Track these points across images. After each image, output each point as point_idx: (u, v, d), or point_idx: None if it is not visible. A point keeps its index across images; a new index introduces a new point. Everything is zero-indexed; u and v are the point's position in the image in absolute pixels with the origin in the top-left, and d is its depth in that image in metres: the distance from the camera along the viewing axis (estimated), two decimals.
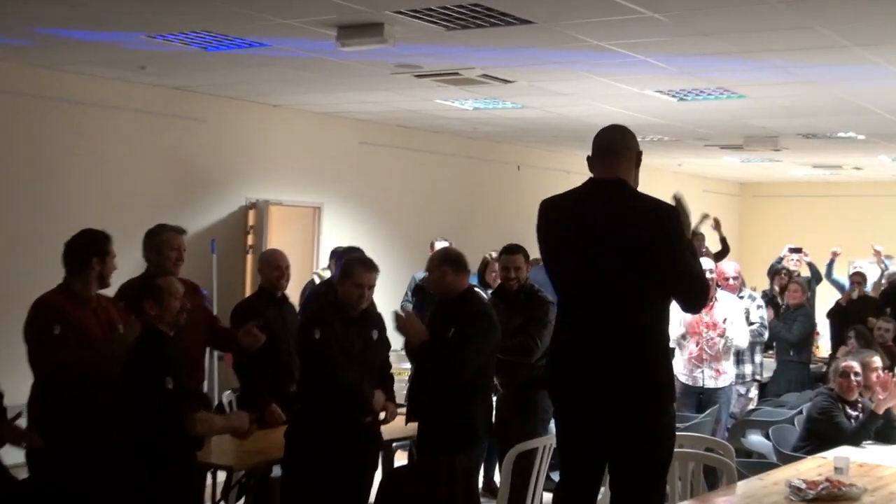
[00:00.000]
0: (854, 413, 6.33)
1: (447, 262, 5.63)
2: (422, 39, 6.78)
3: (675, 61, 7.34)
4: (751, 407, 8.97)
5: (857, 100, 8.81)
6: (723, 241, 12.82)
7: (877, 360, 6.81)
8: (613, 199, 3.96)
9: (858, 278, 11.30)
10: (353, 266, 5.31)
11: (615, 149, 4.02)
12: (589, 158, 4.06)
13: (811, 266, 12.05)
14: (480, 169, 13.33)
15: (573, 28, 6.37)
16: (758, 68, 7.49)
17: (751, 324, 8.54)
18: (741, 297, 8.64)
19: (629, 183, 3.99)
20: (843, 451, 5.68)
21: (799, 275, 11.74)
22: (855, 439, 6.08)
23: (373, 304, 5.50)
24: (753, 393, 9.26)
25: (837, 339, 10.16)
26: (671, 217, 3.89)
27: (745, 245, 18.45)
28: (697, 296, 4.05)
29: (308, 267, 10.33)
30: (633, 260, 3.87)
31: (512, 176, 13.69)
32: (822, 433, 6.21)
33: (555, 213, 4.08)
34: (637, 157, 4.04)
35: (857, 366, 6.47)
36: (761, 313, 8.83)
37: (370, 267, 5.30)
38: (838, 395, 6.39)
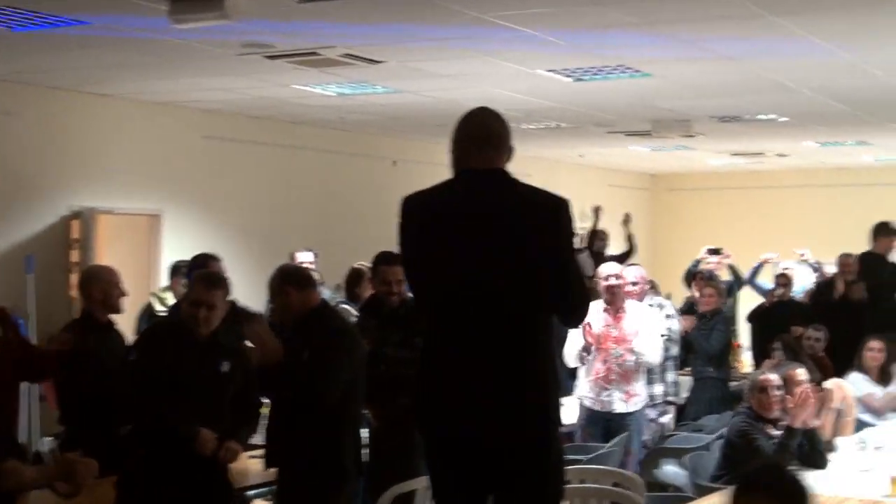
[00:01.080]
0: (776, 432, 6.50)
1: (288, 282, 5.62)
2: (271, 14, 6.74)
3: (567, 36, 7.43)
4: (666, 433, 9.10)
5: (778, 77, 9.05)
6: (629, 238, 13.04)
7: (801, 373, 6.99)
8: (495, 192, 3.97)
9: (784, 280, 11.59)
10: (192, 281, 5.26)
11: (494, 137, 4.03)
12: (457, 146, 4.05)
13: (732, 269, 12.33)
14: (350, 165, 13.31)
15: None
16: (662, 43, 7.63)
17: (661, 335, 8.63)
18: (649, 305, 8.77)
19: (508, 172, 4.02)
20: None
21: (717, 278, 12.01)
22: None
23: (231, 332, 5.45)
24: (667, 417, 9.41)
25: (760, 351, 10.40)
26: (563, 210, 3.93)
27: (657, 245, 18.80)
28: (578, 309, 4.11)
29: (145, 287, 10.16)
30: (519, 262, 3.88)
31: (387, 172, 13.71)
32: (741, 459, 6.35)
33: (423, 210, 4.07)
34: (510, 152, 4.08)
35: (775, 379, 6.63)
36: (670, 324, 8.97)
37: (211, 283, 5.24)
38: (757, 414, 6.54)
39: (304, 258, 9.52)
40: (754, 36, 7.45)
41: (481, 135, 4.04)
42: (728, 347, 10.36)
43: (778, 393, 6.58)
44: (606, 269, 8.19)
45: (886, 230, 10.96)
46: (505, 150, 4.03)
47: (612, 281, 8.00)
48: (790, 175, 18.08)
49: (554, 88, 9.46)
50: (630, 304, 8.11)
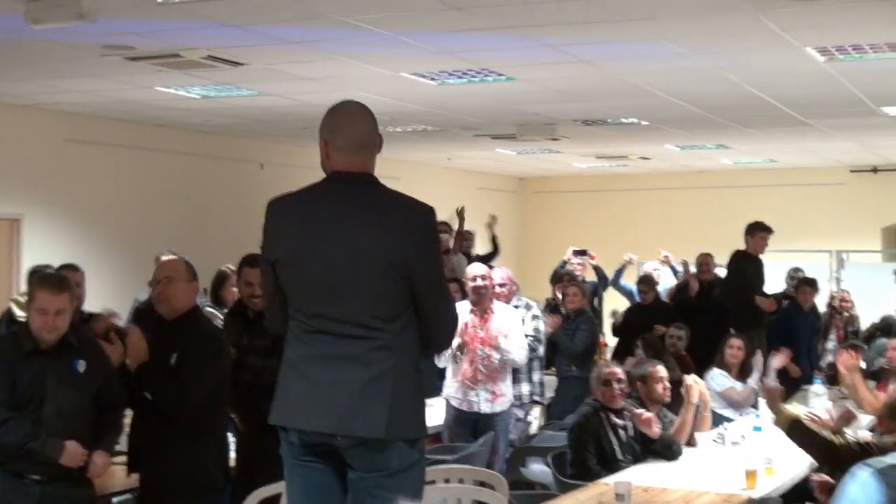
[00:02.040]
0: (620, 422, 6.67)
1: (187, 269, 5.59)
2: (131, 14, 6.65)
3: (431, 39, 7.47)
4: (532, 432, 9.20)
5: (637, 81, 9.21)
6: (493, 239, 13.13)
7: (661, 370, 7.17)
8: (361, 195, 3.96)
9: (644, 286, 11.76)
10: (32, 287, 5.16)
11: (366, 140, 4.01)
12: (323, 145, 4.03)
13: (598, 270, 12.50)
14: (216, 168, 13.18)
15: (311, 0, 6.38)
16: (523, 46, 7.70)
17: (527, 336, 8.71)
18: (516, 307, 8.84)
19: (376, 178, 4.02)
20: (626, 476, 5.93)
21: (584, 280, 12.17)
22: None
23: (82, 330, 5.35)
24: (533, 416, 9.51)
25: (624, 350, 10.56)
26: (427, 217, 3.94)
27: (526, 247, 19.00)
28: (443, 330, 4.10)
29: (5, 292, 9.92)
30: (383, 267, 3.88)
31: (254, 176, 13.60)
32: (582, 450, 6.55)
33: (289, 212, 4.04)
34: (379, 145, 4.05)
35: (619, 372, 6.84)
36: (536, 324, 9.04)
37: (53, 287, 5.13)
38: (603, 405, 6.71)
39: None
40: (613, 40, 7.57)
41: (353, 135, 4.01)
42: (593, 347, 10.48)
43: (621, 385, 6.77)
44: (473, 269, 8.22)
45: (758, 228, 11.18)
46: (374, 149, 3.99)
47: (479, 282, 8.04)
48: (653, 178, 18.42)
49: (419, 91, 9.49)
50: (497, 305, 8.16)
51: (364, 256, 3.88)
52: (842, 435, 5.43)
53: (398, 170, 15.84)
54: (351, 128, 4.00)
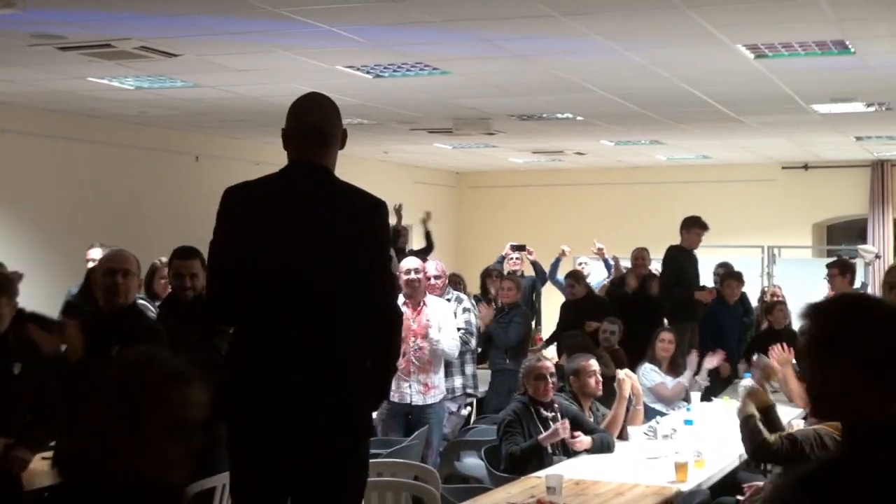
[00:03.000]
0: (549, 414, 6.75)
1: (137, 263, 5.58)
2: (61, 3, 6.55)
3: (365, 32, 7.42)
4: (466, 425, 9.21)
5: (572, 76, 9.20)
6: (427, 235, 13.17)
7: (594, 364, 7.22)
8: (316, 187, 3.95)
9: (572, 280, 11.81)
10: None
11: (325, 133, 4.00)
12: (286, 134, 4.02)
13: (535, 265, 12.56)
14: (150, 161, 13.04)
15: None
16: (458, 40, 7.68)
17: (458, 329, 8.72)
18: (448, 300, 8.85)
19: (333, 171, 4.01)
20: (558, 469, 5.95)
21: (522, 274, 12.23)
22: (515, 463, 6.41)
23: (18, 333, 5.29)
24: (467, 409, 9.53)
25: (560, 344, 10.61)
26: (379, 212, 3.93)
27: (463, 241, 19.03)
28: (387, 329, 4.07)
29: None
30: (332, 259, 3.87)
31: (190, 168, 13.48)
32: (511, 445, 6.60)
33: (244, 199, 4.01)
34: (343, 138, 4.08)
35: (551, 366, 6.99)
36: (468, 317, 9.05)
37: None
38: (532, 399, 6.75)
39: (99, 252, 9.25)
40: (547, 35, 7.56)
41: (312, 127, 4.01)
42: (526, 340, 10.52)
43: (553, 379, 6.90)
44: (407, 263, 8.24)
45: (694, 224, 11.26)
46: (334, 144, 4.02)
47: (412, 275, 8.06)
48: (589, 173, 18.49)
49: (354, 85, 9.44)
50: (429, 299, 8.19)
51: (312, 246, 3.93)
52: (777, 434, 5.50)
53: (337, 164, 15.80)
54: (307, 117, 4.01)
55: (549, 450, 6.61)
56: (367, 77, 9.11)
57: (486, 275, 12.25)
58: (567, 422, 6.64)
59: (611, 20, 7.10)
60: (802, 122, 11.93)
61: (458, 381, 8.96)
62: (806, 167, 17.31)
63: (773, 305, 11.08)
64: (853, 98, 10.19)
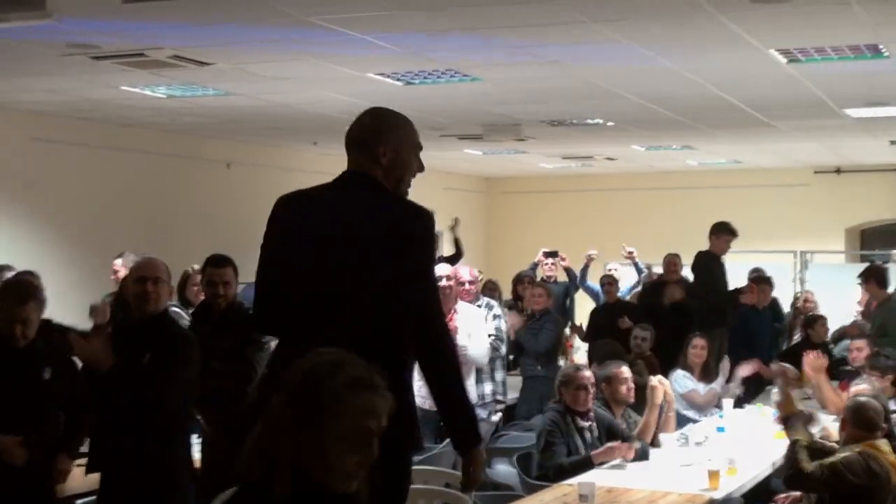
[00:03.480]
0: (585, 423, 6.73)
1: (167, 271, 5.59)
2: (95, 13, 6.61)
3: (396, 39, 7.45)
4: (497, 432, 9.19)
5: (602, 82, 9.23)
6: (456, 242, 13.18)
7: (626, 371, 7.21)
8: (356, 196, 3.93)
9: (608, 280, 11.83)
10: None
11: (357, 136, 4.00)
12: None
13: (569, 271, 12.55)
14: (182, 168, 13.10)
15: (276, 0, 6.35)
16: (491, 47, 7.70)
17: (489, 335, 8.71)
18: (479, 306, 8.85)
19: (379, 179, 3.92)
20: (590, 476, 5.93)
21: (556, 281, 12.25)
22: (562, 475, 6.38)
23: (49, 335, 5.33)
24: (498, 416, 9.51)
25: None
26: (420, 220, 3.89)
27: (493, 247, 19.02)
28: (439, 338, 3.94)
29: None
30: (369, 269, 3.85)
31: (221, 176, 13.53)
32: (551, 455, 6.56)
33: (289, 210, 3.98)
34: (397, 150, 3.95)
35: (590, 377, 6.91)
36: (498, 324, 9.03)
37: (19, 298, 5.13)
38: (568, 408, 6.73)
39: (129, 260, 9.28)
40: (579, 42, 7.57)
41: (351, 135, 4.01)
42: (557, 347, 10.51)
43: (592, 390, 6.84)
44: (438, 270, 8.22)
45: (723, 230, 11.21)
46: (376, 150, 3.91)
47: (444, 282, 8.05)
48: (619, 178, 18.45)
49: (385, 92, 9.45)
50: (460, 305, 8.17)
51: (351, 257, 3.86)
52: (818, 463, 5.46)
53: None
54: (352, 125, 4.02)
55: None
56: (398, 84, 9.14)
57: (518, 281, 12.24)
58: (632, 447, 6.61)
59: (642, 26, 7.11)
60: (836, 126, 11.88)
61: (488, 388, 8.92)
62: (839, 171, 17.22)
63: (816, 320, 10.96)
64: (887, 102, 10.13)
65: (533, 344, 10.20)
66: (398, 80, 8.94)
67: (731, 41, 7.39)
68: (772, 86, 9.24)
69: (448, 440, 7.34)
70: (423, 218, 3.88)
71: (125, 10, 6.48)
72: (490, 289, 10.90)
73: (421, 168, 4.05)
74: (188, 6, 6.45)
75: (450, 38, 7.45)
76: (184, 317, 7.58)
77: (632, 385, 7.30)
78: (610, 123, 11.88)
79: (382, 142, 3.94)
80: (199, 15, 6.73)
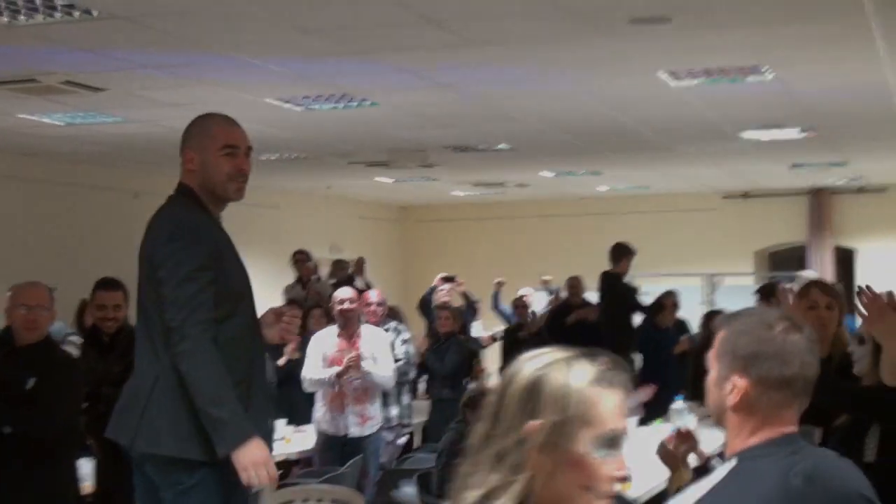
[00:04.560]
0: None
1: (51, 297, 5.59)
2: None
3: (289, 64, 7.49)
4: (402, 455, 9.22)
5: (500, 106, 9.29)
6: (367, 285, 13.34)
7: None
8: (157, 211, 4.02)
9: (520, 303, 11.95)
10: None
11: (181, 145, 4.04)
12: None
13: (466, 296, 12.67)
14: (88, 198, 13.00)
15: (164, 23, 6.35)
16: (383, 71, 7.74)
17: (396, 360, 8.78)
18: (386, 330, 8.91)
19: (194, 187, 3.97)
20: None
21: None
22: None
23: None
24: (404, 439, 9.55)
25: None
26: (164, 227, 3.89)
27: (410, 275, 19.04)
28: (178, 357, 3.75)
29: None
30: (147, 280, 3.92)
31: (128, 206, 13.43)
32: (451, 473, 6.54)
33: None
34: (200, 153, 3.93)
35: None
36: (407, 348, 9.12)
37: None
38: (469, 427, 6.75)
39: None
40: (471, 65, 7.61)
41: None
42: (463, 369, 10.57)
43: None
44: (341, 293, 8.30)
45: (623, 251, 11.41)
46: (183, 158, 3.98)
47: (346, 305, 8.11)
48: (532, 205, 18.60)
49: (286, 118, 9.48)
50: (365, 328, 8.23)
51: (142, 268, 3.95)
52: None
53: (279, 199, 15.82)
54: None
55: None
56: (298, 109, 9.15)
57: (426, 305, 12.30)
58: None
59: (530, 49, 7.16)
60: (733, 150, 12.05)
61: (394, 412, 8.99)
62: (746, 196, 17.54)
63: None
64: (781, 124, 10.29)
65: (439, 367, 10.26)
66: (296, 104, 8.96)
67: (616, 63, 7.51)
68: (664, 108, 9.34)
69: (350, 462, 7.43)
70: (162, 226, 3.91)
71: (14, 34, 6.46)
72: (392, 315, 10.96)
73: (240, 169, 3.96)
74: (79, 30, 6.44)
75: (342, 63, 7.48)
76: (76, 345, 7.54)
77: None
78: (514, 149, 11.90)
79: (185, 147, 3.99)
80: (91, 38, 6.71)
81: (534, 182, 15.70)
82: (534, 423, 2.05)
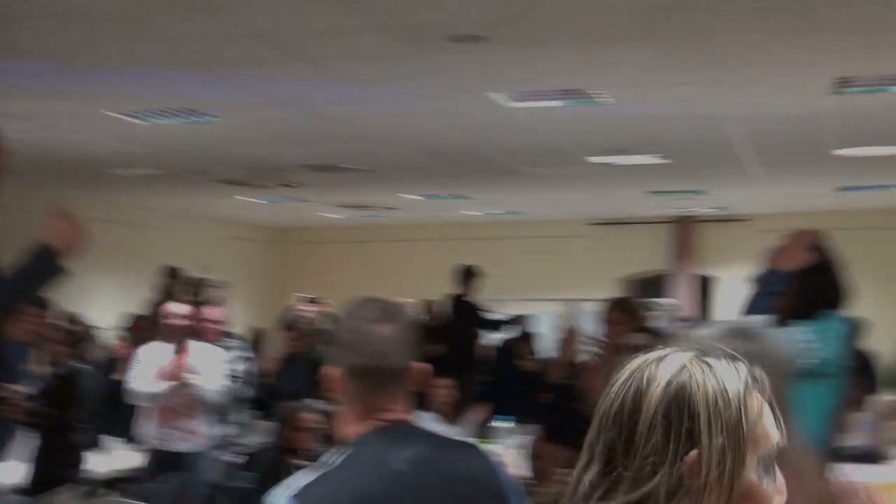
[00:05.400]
0: (304, 462, 6.69)
1: None
2: None
3: (125, 76, 7.33)
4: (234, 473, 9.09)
5: (347, 127, 9.21)
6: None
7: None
8: None
9: None
10: None
11: None
12: None
13: (326, 317, 12.59)
14: None
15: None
16: (219, 86, 7.61)
17: (234, 378, 8.66)
18: (225, 349, 8.78)
19: None
20: None
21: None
22: None
23: None
24: (236, 457, 9.40)
25: None
26: None
27: (283, 299, 18.90)
28: None
29: None
30: None
31: None
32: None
33: None
34: None
35: (311, 417, 7.04)
36: (247, 366, 9.01)
37: None
38: (286, 446, 6.74)
39: None
40: (309, 82, 7.51)
41: None
42: (311, 388, 10.47)
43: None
44: (172, 307, 8.19)
45: (470, 273, 11.51)
46: None
47: (177, 320, 8.01)
48: (405, 229, 18.59)
49: (131, 132, 9.27)
50: (195, 344, 8.11)
51: None
52: None
53: (151, 219, 15.59)
54: None
55: None
56: (142, 123, 8.97)
57: (286, 324, 12.22)
58: None
59: (361, 66, 7.06)
60: (585, 175, 12.07)
61: (226, 429, 8.85)
62: (610, 223, 17.71)
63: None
64: (625, 150, 10.32)
65: (285, 386, 10.16)
66: (138, 118, 8.77)
67: (445, 83, 7.46)
68: (506, 130, 9.28)
69: (169, 477, 7.30)
70: None
71: None
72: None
73: None
74: None
75: (182, 76, 7.34)
76: None
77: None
78: (372, 170, 11.81)
79: None
80: None
81: (404, 205, 15.64)
82: (694, 453, 1.50)
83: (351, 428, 2.52)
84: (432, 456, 2.47)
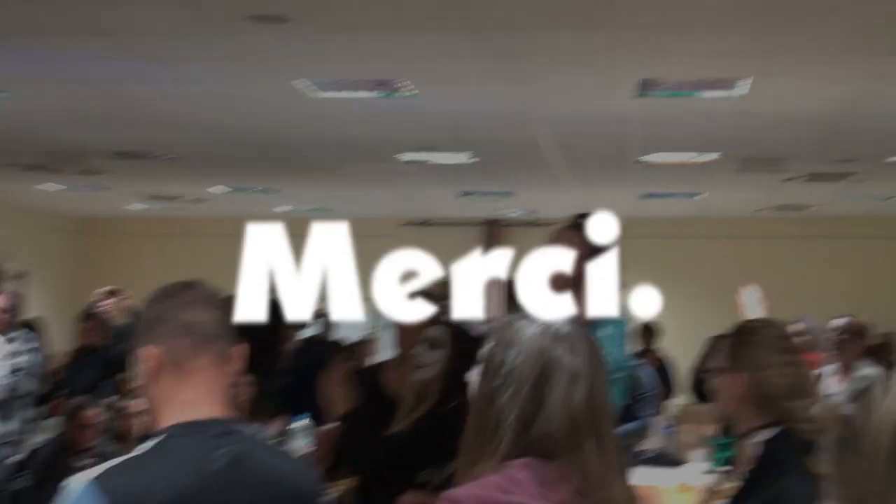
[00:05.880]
0: (89, 461, 6.39)
1: None
2: None
3: None
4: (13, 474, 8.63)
5: (148, 109, 8.79)
6: None
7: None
8: None
9: None
10: None
11: None
12: None
13: (128, 312, 12.12)
14: None
15: None
16: (9, 56, 7.14)
17: (16, 370, 8.19)
18: (10, 339, 8.31)
19: None
20: None
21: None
22: None
23: None
24: (20, 456, 8.95)
25: None
26: None
27: (88, 290, 18.23)
28: None
29: None
30: None
31: None
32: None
33: None
34: None
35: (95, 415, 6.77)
36: (30, 358, 8.52)
37: None
38: (67, 444, 6.48)
39: None
40: (105, 56, 7.10)
41: None
42: (104, 384, 10.08)
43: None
44: None
45: None
46: None
47: None
48: (210, 223, 18.07)
49: None
50: None
51: None
52: None
53: None
54: None
55: None
56: None
57: (87, 317, 11.69)
58: None
59: (158, 42, 6.71)
60: (395, 172, 11.89)
61: (16, 426, 8.38)
62: (424, 224, 17.60)
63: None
64: (433, 147, 10.17)
65: (77, 380, 9.76)
66: None
67: (247, 65, 7.17)
68: (312, 121, 9.00)
69: None
70: None
71: None
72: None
73: None
74: None
75: None
76: None
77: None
78: (179, 158, 11.36)
79: None
80: None
81: (210, 198, 15.16)
82: None
83: (162, 416, 2.41)
84: (250, 456, 2.40)
